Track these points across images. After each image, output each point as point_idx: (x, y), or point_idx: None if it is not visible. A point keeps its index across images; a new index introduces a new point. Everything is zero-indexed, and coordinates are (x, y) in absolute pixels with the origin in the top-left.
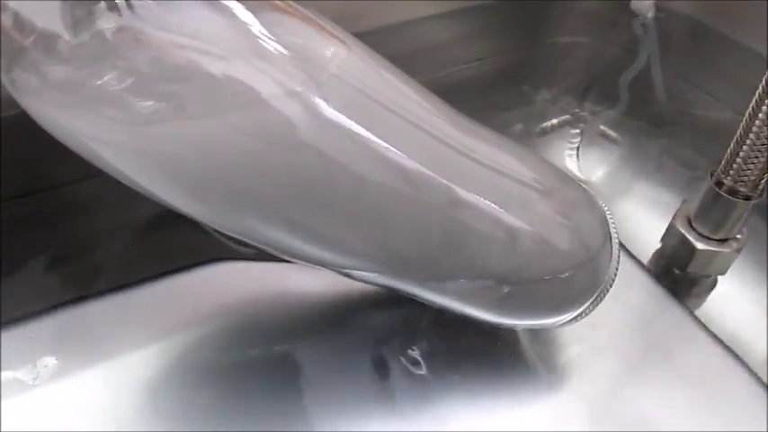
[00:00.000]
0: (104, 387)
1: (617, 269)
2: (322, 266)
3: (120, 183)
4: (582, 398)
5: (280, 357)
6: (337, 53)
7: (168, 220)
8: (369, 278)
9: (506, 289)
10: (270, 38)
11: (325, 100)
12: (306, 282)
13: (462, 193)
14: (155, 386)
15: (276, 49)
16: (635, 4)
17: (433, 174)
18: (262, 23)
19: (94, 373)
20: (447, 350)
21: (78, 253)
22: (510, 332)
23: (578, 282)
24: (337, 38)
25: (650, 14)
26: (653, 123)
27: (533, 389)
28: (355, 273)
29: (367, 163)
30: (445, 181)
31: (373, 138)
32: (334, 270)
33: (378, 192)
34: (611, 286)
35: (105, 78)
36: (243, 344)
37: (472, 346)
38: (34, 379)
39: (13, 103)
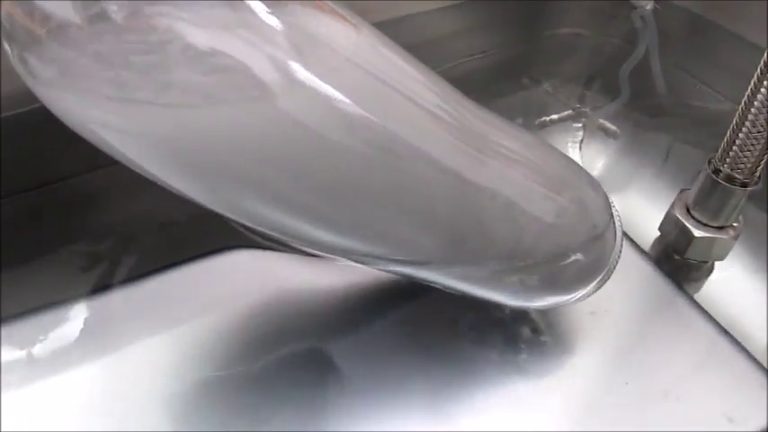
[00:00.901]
0: (122, 376)
1: (622, 247)
2: (345, 256)
3: (123, 174)
4: (582, 381)
5: (303, 347)
6: (348, 35)
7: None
8: (390, 267)
9: (527, 268)
10: (281, 24)
11: (334, 85)
12: (321, 272)
13: (485, 176)
14: (173, 373)
15: (285, 36)
16: None
17: (456, 158)
18: (275, 12)
19: (113, 361)
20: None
21: (92, 244)
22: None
23: (589, 259)
24: (348, 21)
25: (649, 6)
26: (653, 114)
27: (539, 371)
28: (382, 262)
29: (383, 147)
30: (468, 163)
31: (391, 122)
32: (358, 260)
33: (402, 177)
34: (617, 263)
35: (118, 64)
36: (264, 334)
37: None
38: (51, 367)
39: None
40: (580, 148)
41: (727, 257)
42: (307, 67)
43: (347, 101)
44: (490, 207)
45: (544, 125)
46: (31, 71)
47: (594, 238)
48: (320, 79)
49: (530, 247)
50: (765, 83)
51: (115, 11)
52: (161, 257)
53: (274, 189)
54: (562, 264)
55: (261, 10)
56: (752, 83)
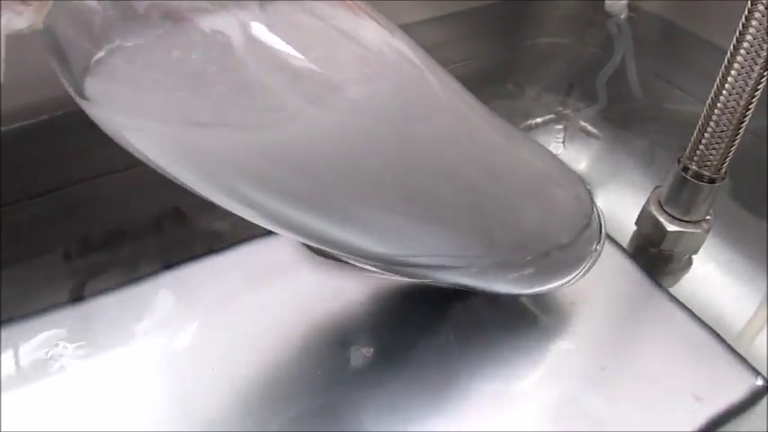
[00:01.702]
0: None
1: (605, 234)
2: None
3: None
4: (561, 366)
5: (334, 339)
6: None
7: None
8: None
9: (538, 257)
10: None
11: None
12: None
13: (517, 167)
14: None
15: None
16: (609, 6)
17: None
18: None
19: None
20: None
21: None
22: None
23: (583, 245)
24: (384, 27)
25: (624, 15)
26: (629, 117)
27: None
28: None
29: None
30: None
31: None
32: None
33: (445, 181)
34: (602, 249)
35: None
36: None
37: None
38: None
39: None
40: (564, 147)
41: (703, 251)
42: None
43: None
44: (521, 198)
45: (529, 128)
46: (86, 92)
47: (585, 227)
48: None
49: (545, 236)
50: (727, 85)
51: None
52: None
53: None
54: (566, 251)
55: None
56: (715, 85)
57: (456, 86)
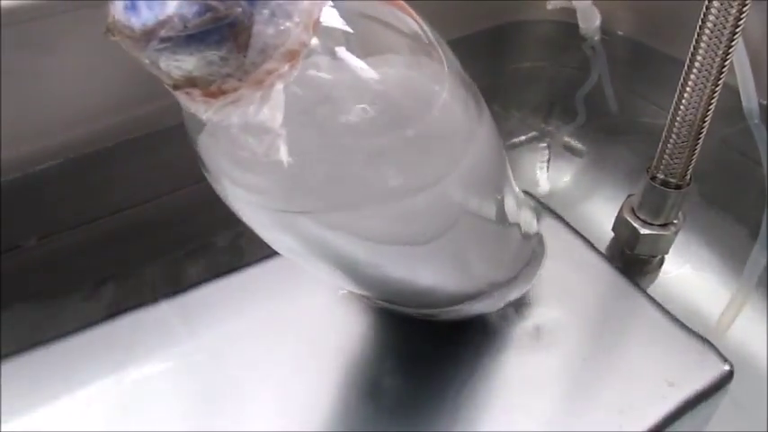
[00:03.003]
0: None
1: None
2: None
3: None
4: (546, 358)
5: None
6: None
7: None
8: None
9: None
10: None
11: None
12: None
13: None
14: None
15: None
16: (584, 29)
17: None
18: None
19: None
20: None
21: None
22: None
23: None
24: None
25: (597, 37)
26: (607, 131)
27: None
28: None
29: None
30: None
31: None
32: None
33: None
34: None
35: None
36: None
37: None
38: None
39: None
40: (547, 165)
41: (677, 253)
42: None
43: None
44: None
45: (515, 146)
46: (202, 159)
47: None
48: None
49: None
50: (683, 100)
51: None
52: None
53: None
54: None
55: None
56: (674, 100)
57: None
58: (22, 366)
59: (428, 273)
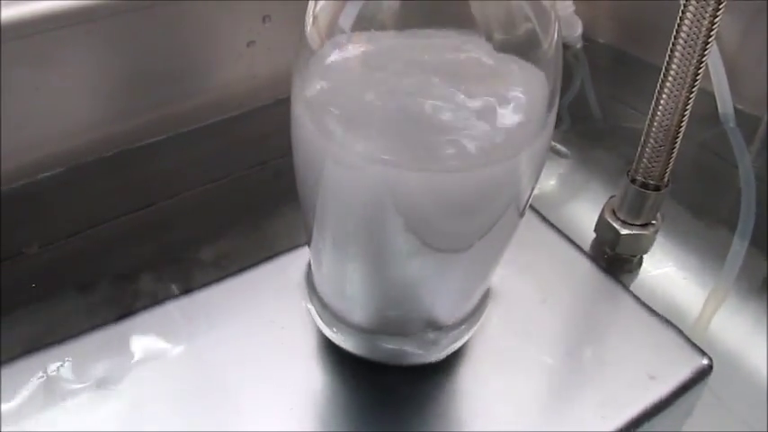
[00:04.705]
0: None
1: None
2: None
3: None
4: (533, 351)
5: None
6: None
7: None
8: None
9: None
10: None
11: None
12: None
13: None
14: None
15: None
16: (565, 37)
17: None
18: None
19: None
20: None
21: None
22: None
23: None
24: None
25: (579, 45)
26: (591, 137)
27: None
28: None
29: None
30: None
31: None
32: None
33: None
34: None
35: None
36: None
37: None
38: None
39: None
40: None
41: (658, 251)
42: None
43: None
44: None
45: None
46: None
47: None
48: None
49: None
50: (660, 106)
51: None
52: None
53: None
54: None
55: None
56: (651, 106)
57: None
58: (23, 369)
59: (460, 273)
